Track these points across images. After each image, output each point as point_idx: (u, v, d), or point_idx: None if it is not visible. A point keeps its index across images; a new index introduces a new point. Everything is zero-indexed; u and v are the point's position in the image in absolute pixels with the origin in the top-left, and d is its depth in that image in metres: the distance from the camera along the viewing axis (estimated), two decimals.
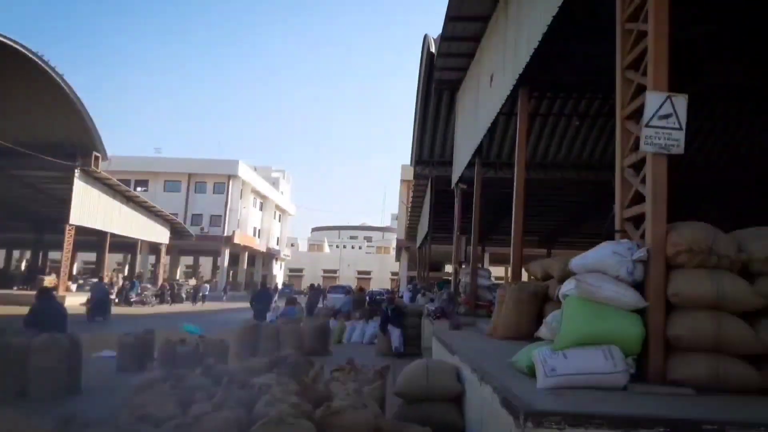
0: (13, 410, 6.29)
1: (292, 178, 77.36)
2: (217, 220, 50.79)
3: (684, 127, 4.02)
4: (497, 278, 27.45)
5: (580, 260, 4.37)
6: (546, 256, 26.40)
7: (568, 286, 4.28)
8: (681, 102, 4.03)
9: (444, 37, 11.76)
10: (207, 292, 36.62)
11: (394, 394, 5.34)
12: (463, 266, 14.33)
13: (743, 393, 3.55)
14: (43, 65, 23.86)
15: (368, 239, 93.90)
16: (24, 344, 7.30)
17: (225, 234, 49.86)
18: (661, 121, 4.00)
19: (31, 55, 23.19)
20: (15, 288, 29.66)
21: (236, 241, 50.39)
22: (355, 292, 20.29)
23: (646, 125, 4.00)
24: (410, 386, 5.17)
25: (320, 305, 19.43)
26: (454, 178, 15.52)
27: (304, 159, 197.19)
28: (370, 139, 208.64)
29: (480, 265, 13.68)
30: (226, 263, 51.04)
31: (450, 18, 10.75)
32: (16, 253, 54.12)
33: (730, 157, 17.67)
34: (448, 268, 46.70)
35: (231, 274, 54.58)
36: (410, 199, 31.38)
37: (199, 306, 32.71)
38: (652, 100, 4.03)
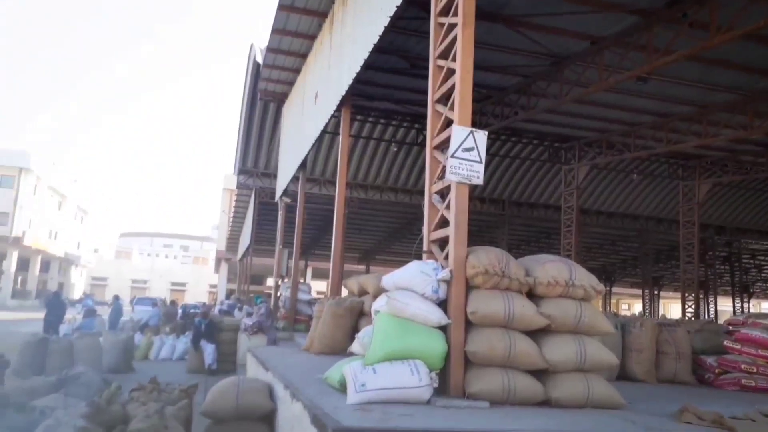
0: None
1: (97, 176, 70.44)
2: (3, 218, 44.13)
3: (483, 160, 4.46)
4: (319, 293, 27.71)
5: (390, 278, 4.61)
6: (365, 272, 27.38)
7: (379, 303, 4.47)
8: (482, 137, 4.47)
9: (270, 48, 11.76)
10: None
11: (201, 414, 5.09)
12: (285, 280, 14.24)
13: (529, 405, 3.99)
14: None
15: (185, 248, 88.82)
16: None
17: (12, 234, 43.51)
18: (465, 153, 4.39)
19: None
20: None
21: (27, 243, 44.28)
22: (166, 305, 19.00)
23: (452, 156, 4.36)
24: (219, 405, 4.98)
25: (125, 318, 17.84)
26: (278, 191, 15.45)
27: (119, 160, 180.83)
28: (194, 143, 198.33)
29: (302, 280, 13.73)
30: (13, 268, 44.51)
31: (275, 30, 10.80)
32: None
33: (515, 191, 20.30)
34: (270, 282, 46.04)
35: (19, 281, 47.75)
36: (232, 209, 30.49)
37: None
38: (458, 133, 4.41)
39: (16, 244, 43.64)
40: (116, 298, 17.09)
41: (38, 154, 46.86)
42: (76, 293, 55.23)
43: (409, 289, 4.27)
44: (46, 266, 52.15)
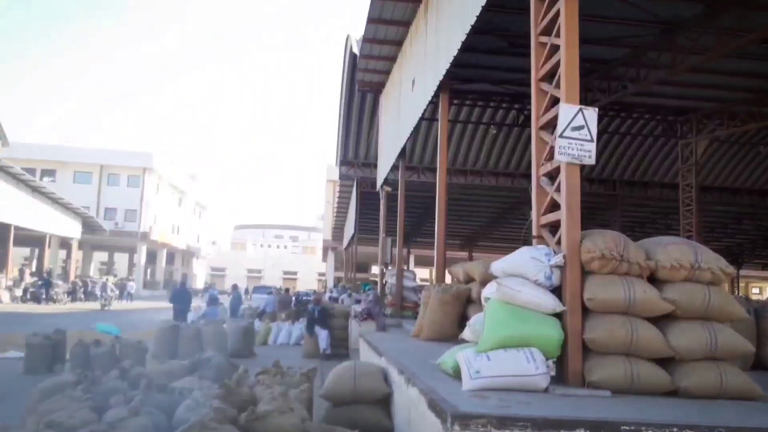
0: None
1: (213, 173, 75.21)
2: (132, 214, 48.39)
3: (595, 138, 4.27)
4: (422, 280, 27.93)
5: (500, 264, 4.55)
6: (468, 259, 27.17)
7: (489, 290, 4.44)
8: (592, 115, 4.28)
9: (366, 39, 11.89)
10: (132, 291, 34.72)
11: (321, 397, 5.34)
12: (389, 268, 14.49)
13: (654, 394, 3.80)
14: None
15: (294, 239, 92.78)
16: None
17: (141, 230, 47.65)
18: (574, 132, 4.23)
19: None
20: None
21: (153, 237, 48.32)
22: (281, 293, 20.02)
23: (560, 136, 4.21)
24: (337, 389, 5.19)
25: (244, 306, 19.00)
26: (379, 180, 15.69)
27: (227, 154, 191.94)
28: (299, 136, 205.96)
29: (405, 267, 13.89)
30: (143, 260, 48.81)
31: (371, 20, 10.89)
32: None
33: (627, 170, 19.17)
34: (375, 270, 47.03)
35: (148, 272, 52.27)
36: (336, 200, 31.38)
37: (114, 304, 31.09)
38: (566, 111, 4.25)
39: (144, 238, 47.70)
40: (235, 287, 18.22)
41: (160, 155, 50.84)
42: (199, 283, 59.59)
43: (520, 276, 4.21)
44: (170, 258, 56.72)
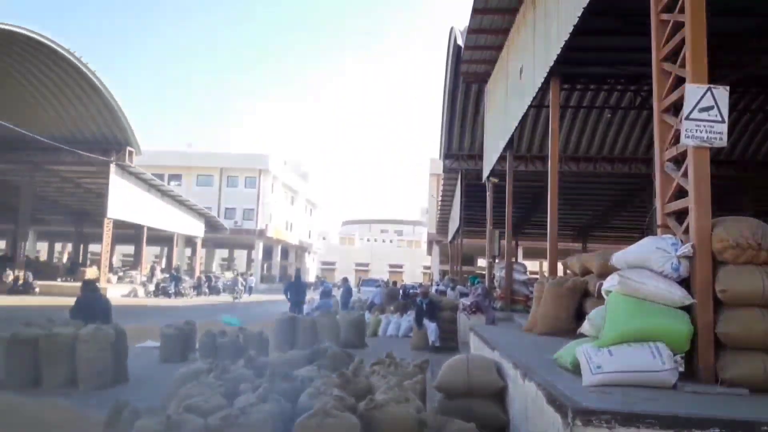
0: (63, 399, 6.58)
1: (322, 172, 77.83)
2: (249, 213, 51.49)
3: (726, 119, 3.94)
4: (532, 272, 27.20)
5: (622, 255, 4.33)
6: (581, 250, 26.07)
7: (610, 282, 4.24)
8: (722, 94, 3.95)
9: (471, 30, 11.71)
10: (253, 284, 36.95)
11: (434, 389, 5.39)
12: (497, 260, 14.27)
13: None
14: (76, 62, 24.54)
15: (399, 233, 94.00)
16: (72, 335, 7.55)
17: (258, 227, 50.56)
18: (702, 113, 3.93)
19: (64, 52, 23.88)
20: (59, 279, 30.60)
21: (269, 234, 51.08)
22: (388, 286, 20.38)
23: (687, 118, 3.92)
24: (451, 381, 5.21)
25: (354, 298, 19.56)
26: (485, 171, 15.45)
27: (333, 153, 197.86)
28: (400, 131, 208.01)
29: (514, 259, 13.60)
30: (260, 256, 51.78)
31: (476, 10, 10.70)
32: (57, 246, 56.02)
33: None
34: (481, 263, 46.48)
35: (265, 267, 55.29)
36: (440, 193, 31.36)
37: (230, 298, 33.27)
38: (692, 92, 3.95)
39: (260, 235, 50.56)
40: (345, 280, 18.80)
41: (274, 156, 53.56)
42: (311, 277, 62.15)
43: (643, 267, 3.98)
44: (284, 254, 59.65)
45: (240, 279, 34.33)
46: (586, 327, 4.44)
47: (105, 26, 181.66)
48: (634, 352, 3.61)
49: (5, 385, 7.05)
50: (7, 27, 21.21)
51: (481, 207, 18.74)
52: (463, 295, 14.75)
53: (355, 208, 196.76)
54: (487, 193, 15.51)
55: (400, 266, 74.16)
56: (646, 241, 4.13)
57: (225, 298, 32.85)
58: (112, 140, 28.86)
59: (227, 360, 5.99)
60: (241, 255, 60.63)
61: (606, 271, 5.33)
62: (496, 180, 14.97)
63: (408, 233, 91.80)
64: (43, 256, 49.33)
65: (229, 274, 43.75)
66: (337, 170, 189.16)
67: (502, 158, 13.11)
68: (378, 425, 4.03)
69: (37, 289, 25.45)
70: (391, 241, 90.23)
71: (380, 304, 16.80)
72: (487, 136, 15.31)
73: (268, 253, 55.06)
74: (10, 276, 26.56)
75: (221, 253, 60.72)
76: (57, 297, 22.87)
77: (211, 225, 42.66)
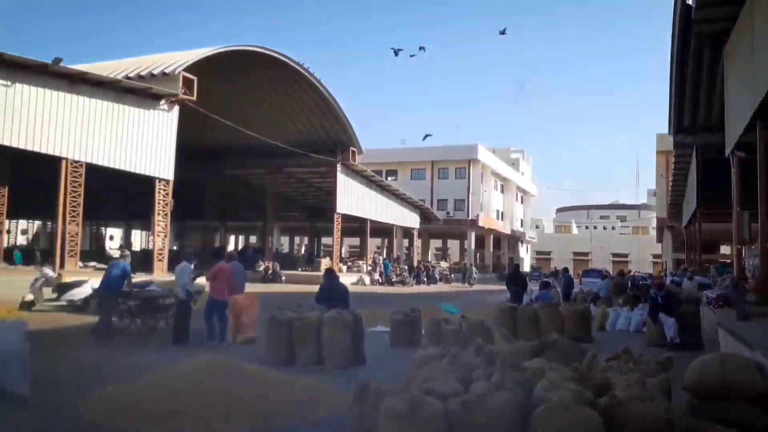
0: (314, 376, 7.42)
1: (532, 158, 75.59)
2: (460, 204, 52.43)
3: None
4: None
5: None
6: None
7: None
8: None
9: None
10: (476, 275, 37.69)
11: (682, 389, 4.88)
12: (752, 247, 12.40)
13: None
14: (306, 74, 27.48)
15: (621, 218, 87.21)
16: (317, 318, 8.47)
17: (469, 217, 51.23)
18: None
19: (295, 65, 26.91)
20: (299, 269, 34.62)
21: (480, 224, 51.41)
22: (615, 276, 19.04)
23: None
24: (703, 381, 4.68)
25: (575, 290, 18.68)
26: (728, 144, 13.49)
27: (543, 137, 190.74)
28: (615, 108, 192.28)
29: None
30: (473, 246, 52.45)
31: None
32: (296, 239, 63.70)
33: None
34: (724, 250, 40.93)
35: (477, 257, 55.83)
36: (671, 173, 28.30)
37: (447, 287, 34.21)
38: None
39: (472, 225, 51.21)
40: (565, 270, 18.03)
41: (482, 145, 53.76)
42: (525, 266, 61.03)
43: None
44: (497, 243, 59.49)
45: (474, 268, 36.94)
46: None
47: (310, 26, 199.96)
48: None
49: (267, 362, 8.18)
50: (251, 49, 24.66)
51: (722, 186, 16.44)
52: (704, 286, 13.12)
53: (571, 195, 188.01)
54: (732, 170, 13.55)
55: (625, 255, 68.62)
56: None
57: (441, 286, 33.98)
58: (337, 142, 31.86)
59: (453, 347, 6.15)
60: (454, 245, 62.03)
61: None
62: (742, 154, 13.02)
63: (633, 218, 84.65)
64: (285, 249, 56.42)
65: (444, 264, 45.13)
66: (548, 155, 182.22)
67: (750, 128, 11.34)
68: (621, 423, 3.80)
69: (283, 278, 29.07)
70: (612, 228, 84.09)
71: (606, 296, 15.77)
72: (729, 104, 13.35)
73: (480, 243, 55.46)
74: (261, 266, 30.81)
75: (435, 243, 62.79)
76: (299, 285, 25.92)
77: (425, 216, 44.42)
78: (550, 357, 5.84)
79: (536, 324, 10.60)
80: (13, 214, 26.61)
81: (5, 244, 25.27)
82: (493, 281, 40.65)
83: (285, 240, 62.23)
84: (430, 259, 52.88)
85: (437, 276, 36.80)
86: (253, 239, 59.34)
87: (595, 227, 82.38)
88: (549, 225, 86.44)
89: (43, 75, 17.92)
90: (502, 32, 26.96)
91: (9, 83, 16.98)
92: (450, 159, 53.30)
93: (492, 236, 56.38)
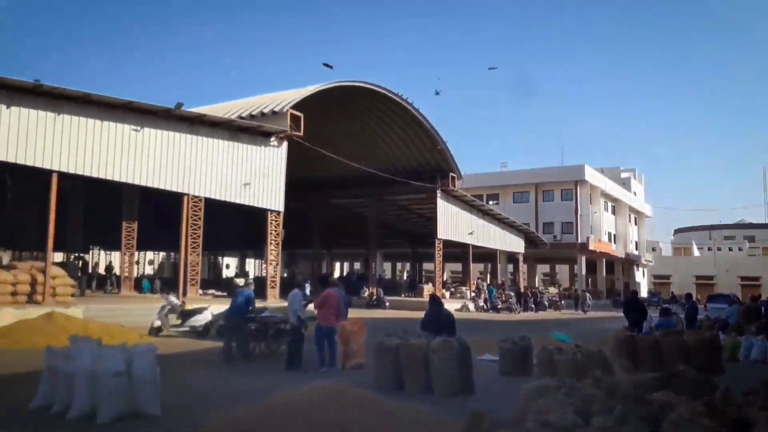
0: (422, 405, 7.36)
1: (645, 177, 71.29)
2: (568, 227, 50.44)
3: None
4: None
5: None
6: None
7: None
8: None
9: None
10: (590, 301, 36.03)
11: None
12: None
13: None
14: (404, 104, 28.06)
15: (749, 239, 79.71)
16: (424, 345, 8.44)
17: (579, 241, 49.09)
18: None
19: (395, 97, 27.53)
20: (402, 295, 34.79)
21: (591, 247, 49.05)
22: (745, 302, 17.36)
23: None
24: None
25: (700, 316, 17.25)
26: None
27: (655, 155, 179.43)
28: (733, 115, 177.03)
29: None
30: (584, 271, 50.12)
31: None
32: (398, 265, 64.25)
33: None
34: None
35: (589, 282, 53.25)
36: None
37: (557, 314, 32.79)
38: None
39: (582, 249, 48.96)
40: (689, 296, 16.74)
41: (589, 165, 51.68)
42: (642, 291, 57.30)
43: None
44: (609, 267, 56.36)
45: (587, 294, 36.20)
46: None
47: (409, 52, 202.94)
48: None
49: (375, 388, 8.24)
50: (352, 84, 25.60)
51: None
52: None
53: (690, 215, 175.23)
54: None
55: (756, 278, 62.35)
56: None
57: (551, 313, 32.67)
58: (436, 168, 32.09)
59: (567, 377, 5.89)
60: (562, 270, 59.57)
61: None
62: None
63: (763, 238, 77.04)
64: (388, 275, 56.99)
65: (552, 290, 43.45)
66: (663, 174, 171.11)
67: None
68: None
69: (387, 304, 29.34)
70: (740, 249, 76.96)
71: (736, 323, 14.41)
72: None
73: (591, 267, 52.85)
74: (366, 292, 31.30)
75: (543, 268, 60.66)
76: (402, 311, 26.00)
77: (531, 240, 43.15)
78: (677, 389, 5.42)
79: (658, 354, 9.90)
80: (141, 245, 29.09)
81: (135, 274, 27.57)
82: (608, 308, 38.49)
83: (387, 266, 62.90)
84: (537, 285, 51.14)
85: (546, 302, 35.43)
86: (357, 266, 60.60)
87: (719, 248, 75.78)
88: (667, 247, 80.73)
89: (167, 119, 19.61)
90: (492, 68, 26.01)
91: (138, 128, 18.71)
92: (555, 181, 51.67)
93: (604, 260, 53.58)
